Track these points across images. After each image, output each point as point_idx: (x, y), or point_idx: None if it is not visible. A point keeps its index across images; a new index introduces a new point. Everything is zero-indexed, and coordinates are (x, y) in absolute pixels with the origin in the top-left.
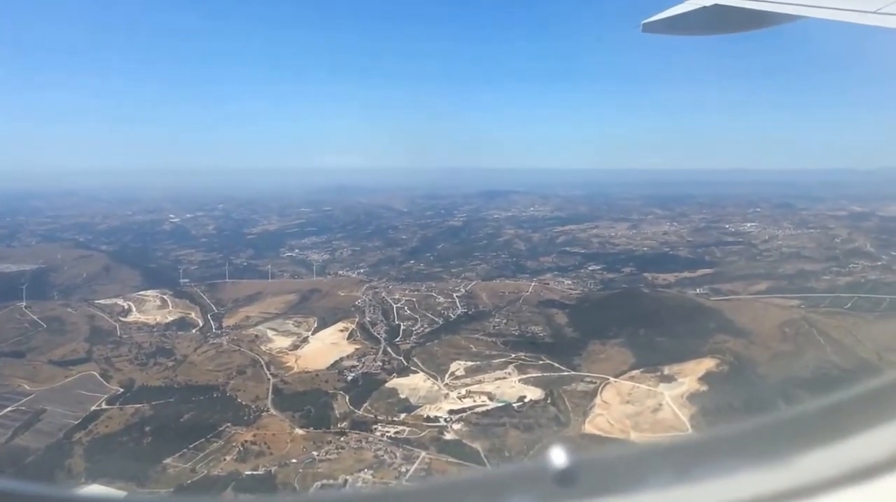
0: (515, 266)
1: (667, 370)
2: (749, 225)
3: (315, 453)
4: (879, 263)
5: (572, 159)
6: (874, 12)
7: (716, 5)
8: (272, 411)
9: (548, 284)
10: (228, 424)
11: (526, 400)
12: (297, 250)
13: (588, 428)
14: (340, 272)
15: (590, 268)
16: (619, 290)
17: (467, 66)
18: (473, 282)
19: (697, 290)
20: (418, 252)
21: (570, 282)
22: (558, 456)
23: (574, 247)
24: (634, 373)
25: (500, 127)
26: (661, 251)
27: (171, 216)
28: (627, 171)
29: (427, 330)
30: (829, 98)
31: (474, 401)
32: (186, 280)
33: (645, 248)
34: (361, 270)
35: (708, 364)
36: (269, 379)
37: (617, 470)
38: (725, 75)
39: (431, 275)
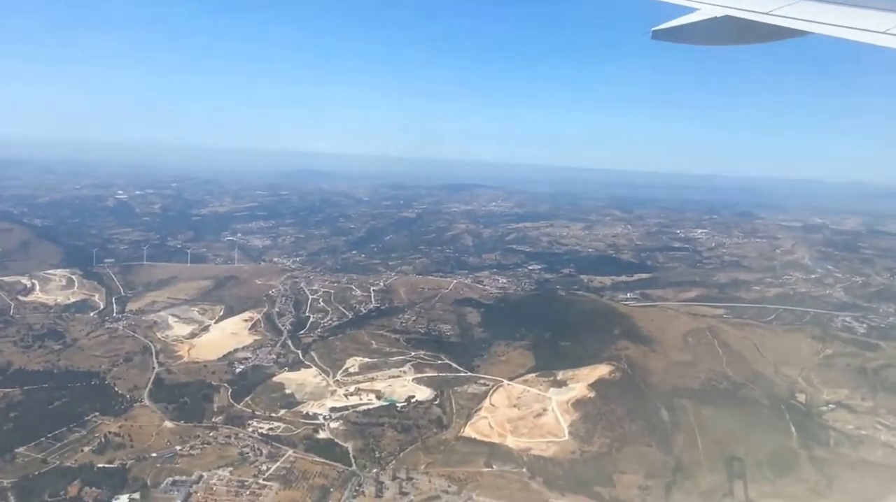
0: (456, 262)
1: (560, 375)
2: (700, 231)
3: (178, 447)
4: (813, 276)
5: (552, 156)
6: (883, 32)
7: (726, 17)
8: (146, 402)
9: (481, 282)
10: (97, 414)
11: (413, 400)
12: (239, 234)
13: (468, 431)
14: (276, 259)
15: (529, 268)
16: (537, 292)
17: (456, 57)
18: (397, 277)
19: (628, 295)
20: (363, 243)
21: (504, 281)
22: None
23: (522, 245)
24: (529, 376)
25: (481, 119)
26: (605, 253)
27: (119, 192)
28: (604, 171)
29: (334, 323)
30: (814, 110)
31: (360, 399)
32: (111, 260)
33: (590, 250)
34: (297, 258)
35: (602, 370)
36: (153, 369)
37: None
38: (714, 81)
39: (368, 268)
